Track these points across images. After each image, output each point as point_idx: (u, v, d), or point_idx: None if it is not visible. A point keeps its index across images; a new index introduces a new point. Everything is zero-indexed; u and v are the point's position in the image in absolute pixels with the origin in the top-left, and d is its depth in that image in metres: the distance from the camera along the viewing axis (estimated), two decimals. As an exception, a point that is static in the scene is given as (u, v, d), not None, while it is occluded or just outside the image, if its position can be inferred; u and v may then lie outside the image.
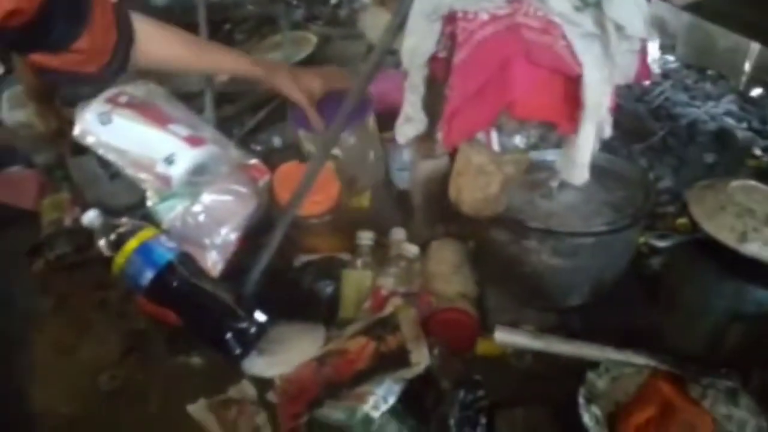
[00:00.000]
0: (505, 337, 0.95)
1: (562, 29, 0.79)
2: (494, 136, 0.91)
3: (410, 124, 0.99)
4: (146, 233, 1.10)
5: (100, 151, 1.19)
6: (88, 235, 1.16)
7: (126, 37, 0.96)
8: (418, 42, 0.88)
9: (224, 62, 1.19)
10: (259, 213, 1.26)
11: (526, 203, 1.06)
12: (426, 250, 1.22)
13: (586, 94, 0.82)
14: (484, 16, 0.81)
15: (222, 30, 2.28)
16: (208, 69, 1.29)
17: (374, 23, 1.74)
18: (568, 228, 1.01)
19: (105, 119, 1.17)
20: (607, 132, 0.92)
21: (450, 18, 0.86)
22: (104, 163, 1.32)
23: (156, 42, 1.04)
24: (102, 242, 1.12)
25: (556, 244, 1.02)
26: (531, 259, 1.05)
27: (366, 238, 1.21)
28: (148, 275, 1.07)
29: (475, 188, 0.95)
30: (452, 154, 1.04)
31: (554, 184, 1.06)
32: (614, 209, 1.05)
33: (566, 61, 0.80)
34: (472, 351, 1.08)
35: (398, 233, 1.24)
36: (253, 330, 1.09)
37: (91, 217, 1.16)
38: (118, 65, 0.97)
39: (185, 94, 1.47)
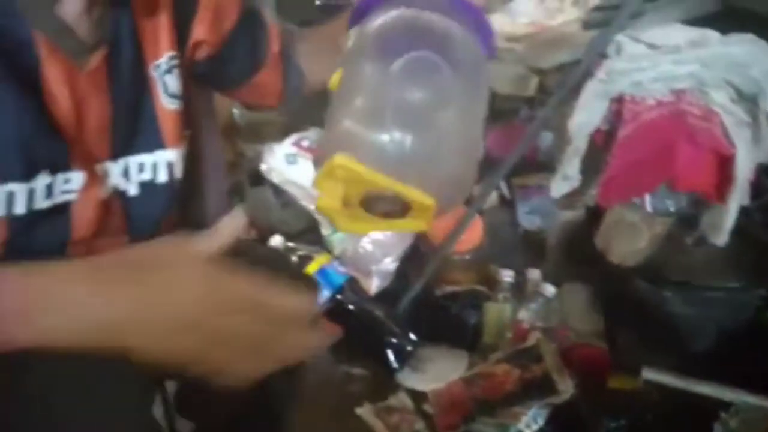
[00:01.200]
0: (651, 375, 1.08)
1: (720, 117, 0.94)
2: (647, 198, 1.05)
3: (567, 182, 1.15)
4: (323, 258, 1.30)
5: (284, 186, 1.40)
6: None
7: (293, 67, 0.90)
8: (588, 117, 1.04)
9: None
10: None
11: (663, 255, 1.20)
12: (560, 290, 1.36)
13: (736, 172, 0.96)
14: (651, 102, 0.97)
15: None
16: None
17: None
18: (702, 282, 1.14)
19: (291, 160, 1.38)
20: (746, 200, 1.05)
21: (617, 99, 1.02)
22: (278, 194, 1.54)
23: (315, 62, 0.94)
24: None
25: (691, 296, 1.14)
26: (665, 307, 1.18)
27: (507, 275, 1.36)
28: (325, 294, 1.26)
29: (625, 242, 1.09)
30: (599, 209, 1.19)
31: (690, 240, 1.19)
32: (744, 266, 1.17)
33: (722, 143, 0.94)
34: (603, 385, 1.21)
35: (534, 273, 1.39)
36: (408, 347, 1.26)
37: (277, 241, 1.37)
38: (291, 92, 0.92)
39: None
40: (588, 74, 1.11)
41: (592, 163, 1.14)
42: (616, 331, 1.27)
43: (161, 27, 0.71)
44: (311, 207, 1.41)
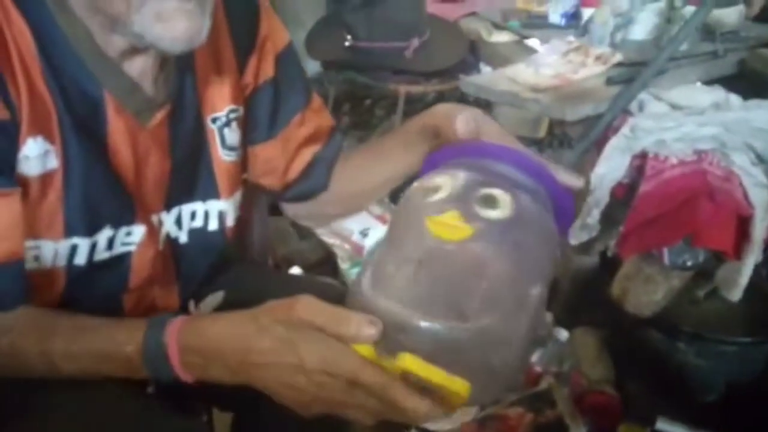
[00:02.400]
0: (664, 426, 1.10)
1: (740, 178, 0.98)
2: (666, 251, 1.09)
3: (586, 230, 1.18)
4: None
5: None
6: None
7: (321, 164, 0.81)
8: (610, 170, 1.07)
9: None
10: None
11: (676, 306, 1.22)
12: (572, 334, 1.39)
13: (754, 231, 0.99)
14: (674, 160, 1.00)
15: (363, 105, 2.54)
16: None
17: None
18: (714, 335, 1.17)
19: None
20: (760, 257, 1.08)
21: (640, 155, 1.05)
22: (296, 224, 1.57)
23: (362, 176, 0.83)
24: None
25: (703, 348, 1.17)
26: (677, 357, 1.20)
27: (521, 318, 1.39)
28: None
29: (641, 293, 1.12)
30: (615, 258, 1.22)
31: (702, 293, 1.22)
32: (755, 321, 1.20)
33: (742, 204, 0.98)
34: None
35: (547, 316, 1.41)
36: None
37: (294, 272, 1.40)
38: (303, 190, 0.83)
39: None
40: (610, 128, 1.16)
41: (610, 214, 1.17)
42: (627, 379, 1.29)
43: (224, 81, 0.71)
44: (329, 240, 1.44)
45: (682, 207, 0.99)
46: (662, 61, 1.13)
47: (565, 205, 0.59)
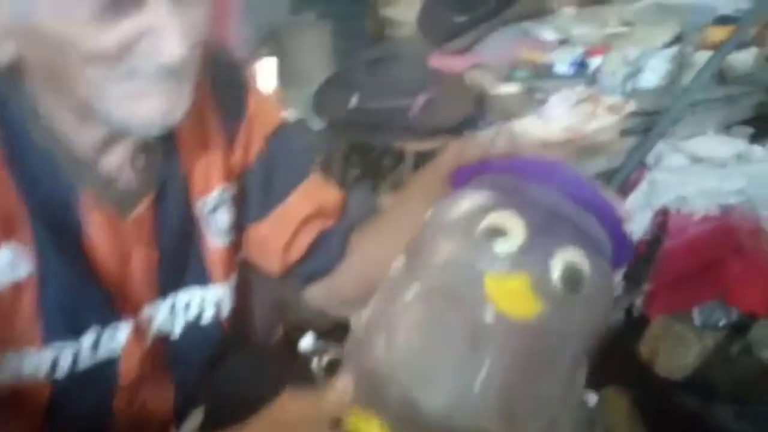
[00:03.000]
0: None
1: (770, 233, 0.92)
2: (696, 310, 1.03)
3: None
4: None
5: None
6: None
7: (330, 243, 0.75)
8: (631, 227, 1.02)
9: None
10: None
11: (708, 365, 1.15)
12: (601, 396, 1.31)
13: (789, 288, 0.93)
14: (698, 216, 0.95)
15: (372, 155, 2.52)
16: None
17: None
18: (754, 395, 1.09)
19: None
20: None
21: (662, 211, 1.01)
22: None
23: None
24: (314, 364, 1.30)
25: (743, 411, 1.10)
26: (714, 421, 1.13)
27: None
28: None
29: (672, 354, 1.06)
30: (642, 315, 1.16)
31: (736, 349, 1.15)
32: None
33: (774, 260, 0.92)
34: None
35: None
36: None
37: (307, 341, 1.34)
38: (310, 272, 0.77)
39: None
40: (627, 183, 1.11)
41: (634, 272, 1.12)
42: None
43: (213, 160, 0.67)
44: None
45: (710, 265, 0.94)
46: (680, 110, 1.09)
47: (622, 241, 0.46)
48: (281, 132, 0.73)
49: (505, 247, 0.39)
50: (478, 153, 0.52)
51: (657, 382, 1.19)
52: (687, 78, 1.24)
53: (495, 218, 0.41)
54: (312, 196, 0.74)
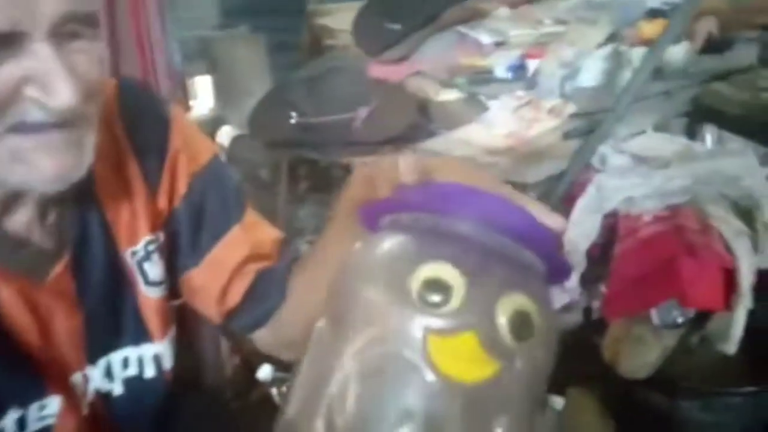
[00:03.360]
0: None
1: (718, 230, 0.93)
2: (654, 311, 1.03)
3: (566, 294, 1.12)
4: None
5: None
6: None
7: (269, 287, 0.71)
8: (582, 232, 1.02)
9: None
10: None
11: (668, 360, 1.16)
12: (566, 397, 1.31)
13: (741, 282, 0.94)
14: (647, 218, 0.95)
15: (319, 167, 2.48)
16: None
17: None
18: (717, 387, 1.10)
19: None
20: (749, 305, 1.03)
21: (611, 214, 1.00)
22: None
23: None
24: (275, 393, 1.26)
25: (707, 403, 1.10)
26: (681, 416, 1.13)
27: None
28: None
29: (634, 355, 1.06)
30: (606, 316, 1.16)
31: (695, 340, 1.16)
32: (757, 367, 1.14)
33: (724, 256, 0.92)
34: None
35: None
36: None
37: (265, 371, 1.30)
38: (253, 318, 0.72)
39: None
40: (573, 185, 1.11)
41: (589, 276, 1.11)
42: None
43: (136, 209, 0.63)
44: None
45: (663, 266, 0.94)
46: (621, 110, 1.09)
47: (555, 259, 0.42)
48: (209, 170, 0.68)
49: (447, 303, 0.36)
50: (387, 179, 0.48)
51: (620, 380, 1.19)
52: (624, 75, 1.25)
53: (429, 272, 0.36)
54: (245, 239, 0.69)
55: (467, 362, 0.35)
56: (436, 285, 0.36)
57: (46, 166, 0.49)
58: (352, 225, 0.52)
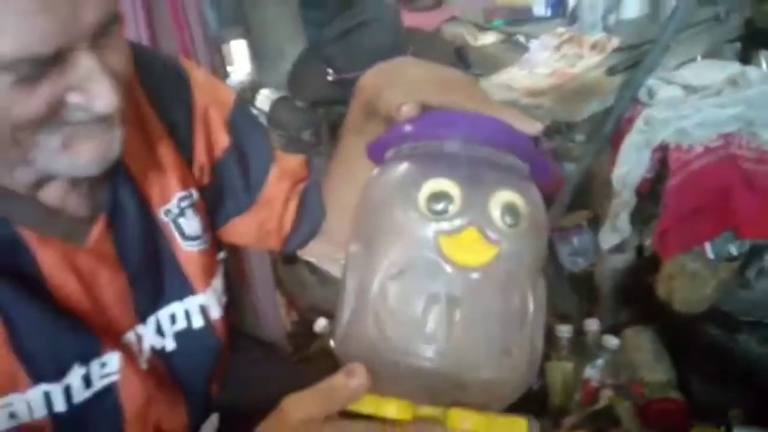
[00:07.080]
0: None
1: (776, 156, 0.89)
2: (708, 244, 1.00)
3: (617, 234, 1.10)
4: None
5: (318, 262, 1.37)
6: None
7: (311, 207, 0.75)
8: (631, 168, 0.99)
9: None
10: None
11: (727, 295, 1.14)
12: (621, 338, 1.30)
13: (801, 208, 0.90)
14: (699, 149, 0.92)
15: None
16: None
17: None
18: (776, 318, 1.08)
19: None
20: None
21: (661, 148, 0.97)
22: (313, 271, 1.50)
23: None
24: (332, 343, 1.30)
25: (765, 335, 1.08)
26: (739, 348, 1.12)
27: (565, 331, 1.31)
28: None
29: (689, 291, 1.04)
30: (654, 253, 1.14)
31: (752, 274, 1.13)
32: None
33: (782, 183, 0.89)
34: (686, 438, 1.15)
35: (593, 324, 1.33)
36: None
37: (321, 324, 1.34)
38: (303, 237, 0.77)
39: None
40: (621, 121, 1.08)
41: (639, 212, 1.09)
42: (691, 378, 1.21)
43: (165, 168, 0.65)
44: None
45: (718, 198, 0.91)
46: (667, 40, 1.04)
47: (535, 158, 0.50)
48: (238, 113, 0.71)
49: (448, 209, 0.44)
50: (392, 80, 0.53)
51: (677, 316, 1.18)
52: (669, 3, 1.19)
53: (431, 187, 0.45)
54: (285, 169, 0.74)
55: (472, 251, 0.43)
56: (438, 196, 0.44)
57: (88, 155, 0.51)
58: (366, 126, 0.59)
